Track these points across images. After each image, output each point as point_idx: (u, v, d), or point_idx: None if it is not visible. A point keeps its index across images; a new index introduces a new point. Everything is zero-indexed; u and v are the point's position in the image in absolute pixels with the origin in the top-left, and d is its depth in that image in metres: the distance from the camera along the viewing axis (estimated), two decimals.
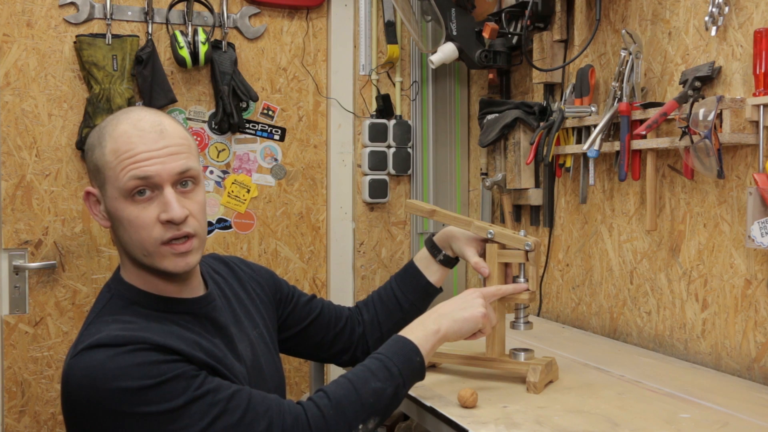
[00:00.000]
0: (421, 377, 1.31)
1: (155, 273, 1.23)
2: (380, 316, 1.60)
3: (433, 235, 1.63)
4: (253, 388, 1.29)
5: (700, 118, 1.54)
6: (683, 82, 1.69)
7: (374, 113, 2.61)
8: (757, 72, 1.50)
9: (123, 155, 1.18)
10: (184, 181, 1.22)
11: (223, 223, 2.48)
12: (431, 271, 1.60)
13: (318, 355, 1.61)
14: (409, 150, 2.63)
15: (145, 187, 1.18)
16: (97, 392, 1.09)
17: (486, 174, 2.54)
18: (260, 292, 1.49)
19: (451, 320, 1.36)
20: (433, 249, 1.61)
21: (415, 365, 1.28)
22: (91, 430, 1.12)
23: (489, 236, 1.50)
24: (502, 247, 1.50)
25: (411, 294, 1.59)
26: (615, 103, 1.84)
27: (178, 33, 2.28)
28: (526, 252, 1.47)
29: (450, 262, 1.61)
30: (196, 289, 1.31)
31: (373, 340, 1.59)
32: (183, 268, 1.22)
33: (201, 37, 2.29)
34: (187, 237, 1.21)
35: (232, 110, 2.36)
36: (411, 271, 1.61)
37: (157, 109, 1.31)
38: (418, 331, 1.33)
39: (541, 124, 2.12)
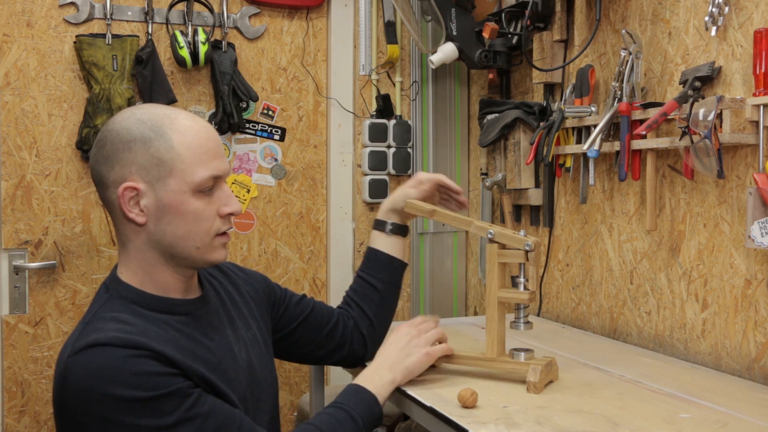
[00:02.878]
0: (378, 425, 1.38)
1: (190, 266, 1.27)
2: (362, 305, 1.63)
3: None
4: (248, 389, 1.30)
5: (700, 118, 1.54)
6: (683, 82, 1.69)
7: (374, 113, 2.61)
8: (757, 72, 1.50)
9: (197, 149, 1.21)
10: None
11: None
12: (386, 244, 1.66)
13: (314, 354, 1.61)
14: (409, 150, 2.63)
15: (214, 183, 1.24)
16: (92, 395, 1.09)
17: (486, 174, 2.54)
18: (254, 295, 1.50)
19: (403, 368, 1.45)
20: (379, 225, 1.67)
21: (375, 415, 1.36)
22: (78, 430, 1.12)
23: (489, 236, 1.50)
24: (502, 247, 1.50)
25: (379, 273, 1.64)
26: (615, 103, 1.84)
27: (178, 33, 2.28)
28: (526, 252, 1.47)
29: (400, 228, 1.67)
30: (193, 290, 1.32)
31: (366, 329, 1.62)
32: (224, 257, 1.29)
33: (201, 37, 2.29)
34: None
35: (232, 110, 2.36)
36: (370, 254, 1.67)
37: None
38: (376, 381, 1.41)
39: (541, 124, 2.12)
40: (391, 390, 1.42)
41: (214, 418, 1.15)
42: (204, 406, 1.15)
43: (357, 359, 1.63)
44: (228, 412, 1.18)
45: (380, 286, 1.63)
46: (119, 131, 1.21)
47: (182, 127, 1.21)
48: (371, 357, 1.58)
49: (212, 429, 1.14)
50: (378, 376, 1.42)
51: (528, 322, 1.52)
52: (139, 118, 1.22)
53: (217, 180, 1.24)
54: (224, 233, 1.27)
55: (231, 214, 1.26)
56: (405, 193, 1.65)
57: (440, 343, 1.55)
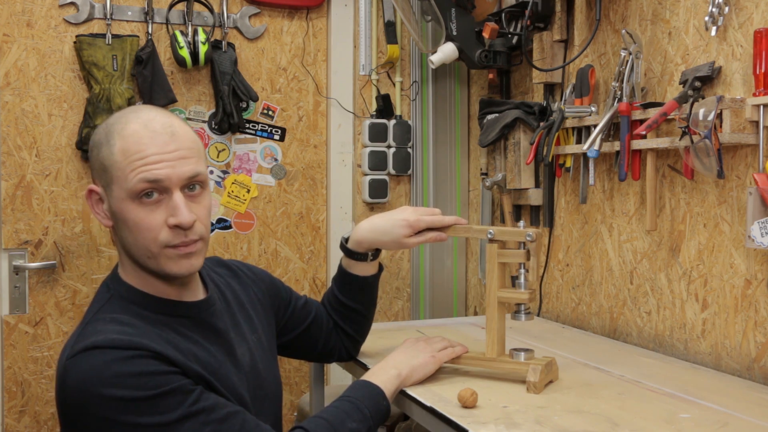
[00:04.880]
0: (386, 419, 1.37)
1: (156, 275, 1.23)
2: (344, 327, 1.63)
3: (346, 240, 1.61)
4: (251, 393, 1.30)
5: (700, 118, 1.54)
6: (683, 82, 1.69)
7: (374, 113, 2.61)
8: (757, 72, 1.50)
9: (133, 156, 1.16)
10: (191, 185, 1.21)
11: (223, 223, 2.48)
12: (366, 269, 1.61)
13: (309, 356, 1.65)
14: (409, 150, 2.63)
15: (154, 190, 1.17)
16: (91, 397, 1.08)
17: (486, 174, 2.54)
18: (261, 297, 1.49)
19: (408, 366, 1.46)
20: (360, 256, 1.59)
21: (382, 408, 1.35)
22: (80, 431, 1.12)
23: (489, 236, 1.50)
24: (502, 246, 1.50)
25: (361, 296, 1.62)
26: (615, 103, 1.84)
27: (178, 33, 2.28)
28: (529, 243, 1.46)
29: (378, 252, 1.61)
30: (195, 292, 1.31)
31: (348, 343, 1.65)
32: (187, 270, 1.22)
33: (201, 37, 2.29)
34: (193, 240, 1.21)
35: (232, 110, 2.36)
36: (347, 279, 1.61)
37: (165, 109, 1.29)
38: (381, 376, 1.41)
39: (541, 124, 2.12)
40: (397, 384, 1.42)
41: (217, 412, 1.15)
42: (207, 400, 1.14)
43: (343, 361, 1.69)
44: (231, 406, 1.18)
45: (361, 307, 1.62)
46: (95, 132, 1.25)
47: (128, 132, 1.18)
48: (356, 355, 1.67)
49: (216, 423, 1.14)
50: (383, 372, 1.43)
51: (529, 313, 1.51)
52: (106, 121, 1.23)
53: (158, 187, 1.17)
54: (180, 245, 1.19)
55: (177, 225, 1.17)
56: (394, 234, 1.55)
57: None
